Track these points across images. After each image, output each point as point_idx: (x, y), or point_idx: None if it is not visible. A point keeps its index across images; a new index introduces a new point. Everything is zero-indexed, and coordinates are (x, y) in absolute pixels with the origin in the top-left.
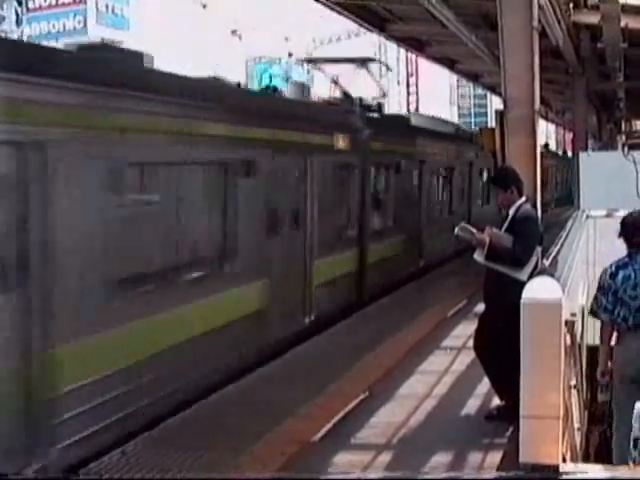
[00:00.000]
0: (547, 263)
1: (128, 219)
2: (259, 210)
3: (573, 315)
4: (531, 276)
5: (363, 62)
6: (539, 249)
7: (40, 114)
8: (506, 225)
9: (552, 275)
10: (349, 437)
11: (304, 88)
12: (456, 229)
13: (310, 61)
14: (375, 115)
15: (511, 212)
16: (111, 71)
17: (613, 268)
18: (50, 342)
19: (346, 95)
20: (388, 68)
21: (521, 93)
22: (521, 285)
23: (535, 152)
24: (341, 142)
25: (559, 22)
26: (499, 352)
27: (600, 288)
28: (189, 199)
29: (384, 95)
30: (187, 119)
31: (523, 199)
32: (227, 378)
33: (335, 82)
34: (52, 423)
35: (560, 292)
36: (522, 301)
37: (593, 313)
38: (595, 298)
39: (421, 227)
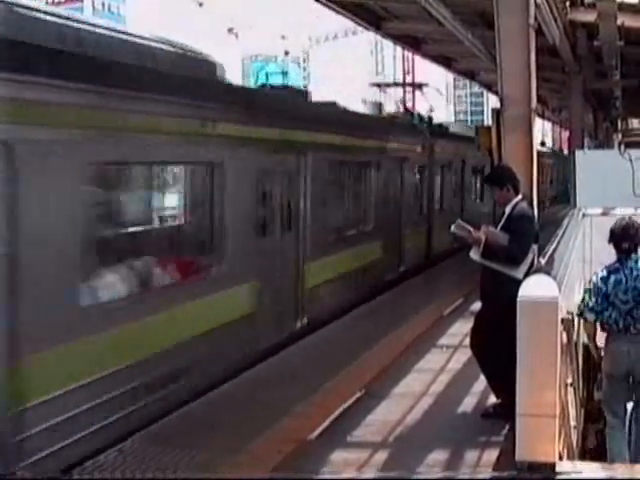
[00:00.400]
0: (543, 261)
1: None
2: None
3: (569, 313)
4: (527, 274)
5: (419, 86)
6: (535, 247)
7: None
8: (502, 223)
9: (548, 273)
10: (345, 435)
11: (380, 107)
12: (452, 227)
13: (377, 85)
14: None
15: (507, 210)
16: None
17: (605, 272)
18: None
19: (407, 110)
20: (440, 93)
21: (517, 91)
22: (517, 283)
23: (532, 150)
24: (420, 149)
25: (555, 20)
26: (495, 350)
27: (590, 289)
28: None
29: (432, 110)
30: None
31: (519, 197)
32: None
33: (402, 103)
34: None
35: (556, 290)
36: (519, 299)
37: (580, 313)
38: (582, 299)
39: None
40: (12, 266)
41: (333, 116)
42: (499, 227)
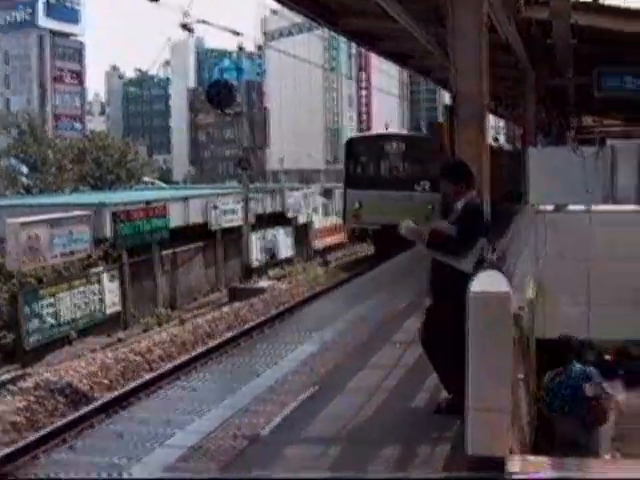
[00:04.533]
0: (495, 257)
1: None
2: None
3: (521, 308)
4: (477, 268)
5: None
6: (484, 241)
7: None
8: (454, 217)
9: (500, 269)
10: (299, 431)
11: None
12: (400, 227)
13: None
14: None
15: (460, 205)
16: None
17: None
18: None
19: None
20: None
21: (470, 88)
22: (465, 276)
23: (484, 146)
24: None
25: (509, 18)
26: (446, 344)
27: None
28: None
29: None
30: None
31: (473, 193)
32: None
33: None
34: None
35: (508, 285)
36: (470, 294)
37: None
38: None
39: None
40: None
41: None
42: (450, 221)
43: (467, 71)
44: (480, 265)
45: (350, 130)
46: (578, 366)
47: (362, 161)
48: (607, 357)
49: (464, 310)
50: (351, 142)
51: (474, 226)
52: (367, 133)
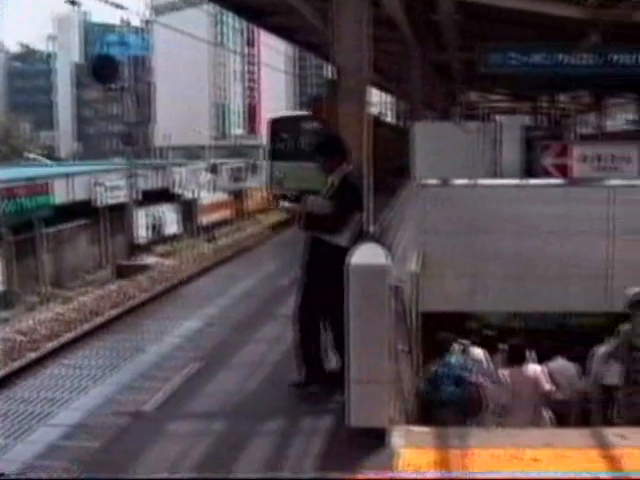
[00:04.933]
0: (374, 230)
1: None
2: None
3: (402, 281)
4: (355, 242)
5: None
6: (361, 216)
7: None
8: (329, 192)
9: (379, 241)
10: (184, 406)
11: None
12: (280, 203)
13: None
14: None
15: (335, 180)
16: None
17: None
18: None
19: None
20: None
21: (352, 62)
22: (341, 250)
23: (365, 120)
24: None
25: None
26: (320, 323)
27: None
28: None
29: None
30: None
31: (349, 167)
32: None
33: None
34: None
35: (385, 257)
36: (349, 266)
37: None
38: None
39: None
40: None
41: None
42: (325, 196)
43: (349, 45)
44: (360, 239)
45: (238, 106)
46: (457, 357)
47: (284, 138)
48: (489, 332)
49: (342, 285)
50: (274, 121)
51: (349, 201)
52: (287, 113)
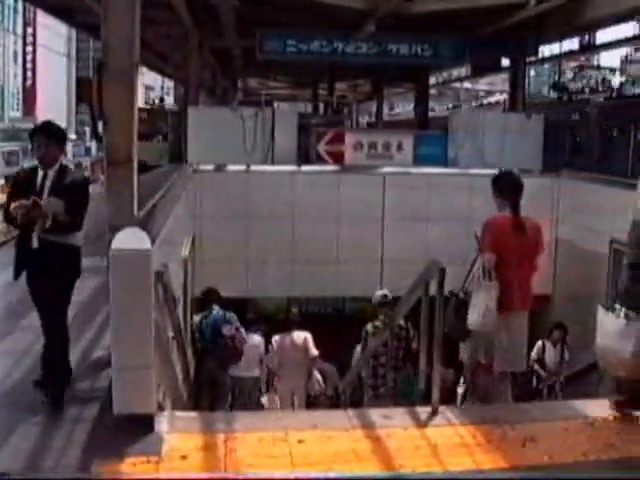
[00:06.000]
0: (140, 214)
1: None
2: None
3: (165, 266)
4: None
5: None
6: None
7: None
8: (51, 187)
9: (143, 227)
10: None
11: None
12: None
13: None
14: None
15: (52, 172)
16: None
17: None
18: None
19: None
20: None
21: (121, 43)
22: (76, 250)
23: (133, 105)
24: None
25: None
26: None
27: None
28: None
29: None
30: None
31: (66, 158)
32: None
33: None
34: None
35: (149, 243)
36: (111, 253)
37: None
38: None
39: None
40: None
41: None
42: (48, 192)
43: (118, 25)
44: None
45: (18, 88)
46: (219, 310)
47: None
48: (249, 316)
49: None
50: None
51: (83, 200)
52: None
